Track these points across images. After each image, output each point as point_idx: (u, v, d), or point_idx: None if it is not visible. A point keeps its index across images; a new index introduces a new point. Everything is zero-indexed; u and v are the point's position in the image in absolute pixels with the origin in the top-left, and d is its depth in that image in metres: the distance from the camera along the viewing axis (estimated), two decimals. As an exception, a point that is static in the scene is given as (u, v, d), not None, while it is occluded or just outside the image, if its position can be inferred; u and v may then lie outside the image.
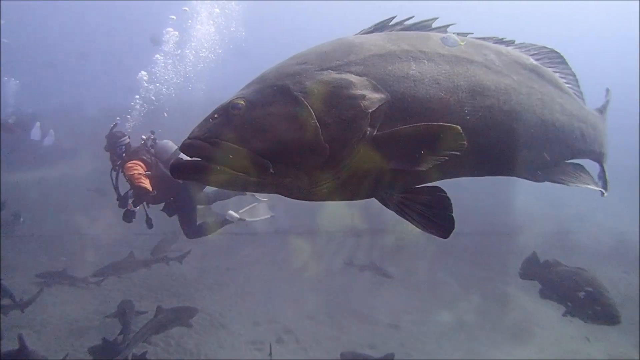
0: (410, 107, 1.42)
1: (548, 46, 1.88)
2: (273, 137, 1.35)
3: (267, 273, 8.89)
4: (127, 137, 5.32)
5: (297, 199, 1.52)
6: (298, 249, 9.99)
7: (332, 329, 7.04)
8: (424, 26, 1.66)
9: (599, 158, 2.01)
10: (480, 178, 1.72)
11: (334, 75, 1.42)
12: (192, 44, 13.24)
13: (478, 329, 7.05)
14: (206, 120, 1.48)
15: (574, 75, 1.93)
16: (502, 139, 1.56)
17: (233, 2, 16.25)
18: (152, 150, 5.30)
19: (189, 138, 1.46)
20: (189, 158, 1.46)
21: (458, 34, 1.64)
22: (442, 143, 1.33)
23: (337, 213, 10.96)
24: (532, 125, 1.62)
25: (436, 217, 1.46)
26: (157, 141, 5.39)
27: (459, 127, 1.32)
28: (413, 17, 1.64)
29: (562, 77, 1.88)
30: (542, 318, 7.23)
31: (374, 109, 1.38)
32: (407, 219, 1.51)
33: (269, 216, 5.99)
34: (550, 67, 1.85)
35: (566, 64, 1.91)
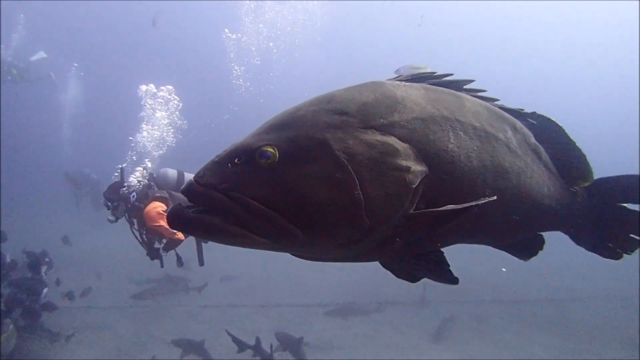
0: (444, 185, 1.34)
1: (552, 118, 1.86)
2: (309, 204, 1.16)
3: None
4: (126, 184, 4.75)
5: (309, 260, 1.42)
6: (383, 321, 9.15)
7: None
8: (458, 86, 1.60)
9: (569, 232, 2.04)
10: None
11: (378, 137, 1.27)
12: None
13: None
14: (222, 163, 1.22)
15: (568, 143, 1.89)
16: (503, 218, 1.58)
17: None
18: (155, 187, 4.80)
19: (198, 183, 1.20)
20: (189, 204, 1.20)
21: (485, 98, 1.63)
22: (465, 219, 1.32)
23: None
24: (527, 206, 1.65)
25: (441, 272, 1.47)
26: (154, 175, 4.90)
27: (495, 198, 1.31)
28: (452, 74, 1.60)
29: (554, 150, 1.87)
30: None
31: (416, 184, 1.25)
32: (416, 275, 1.53)
33: None
34: (544, 142, 1.84)
35: (563, 133, 1.88)
